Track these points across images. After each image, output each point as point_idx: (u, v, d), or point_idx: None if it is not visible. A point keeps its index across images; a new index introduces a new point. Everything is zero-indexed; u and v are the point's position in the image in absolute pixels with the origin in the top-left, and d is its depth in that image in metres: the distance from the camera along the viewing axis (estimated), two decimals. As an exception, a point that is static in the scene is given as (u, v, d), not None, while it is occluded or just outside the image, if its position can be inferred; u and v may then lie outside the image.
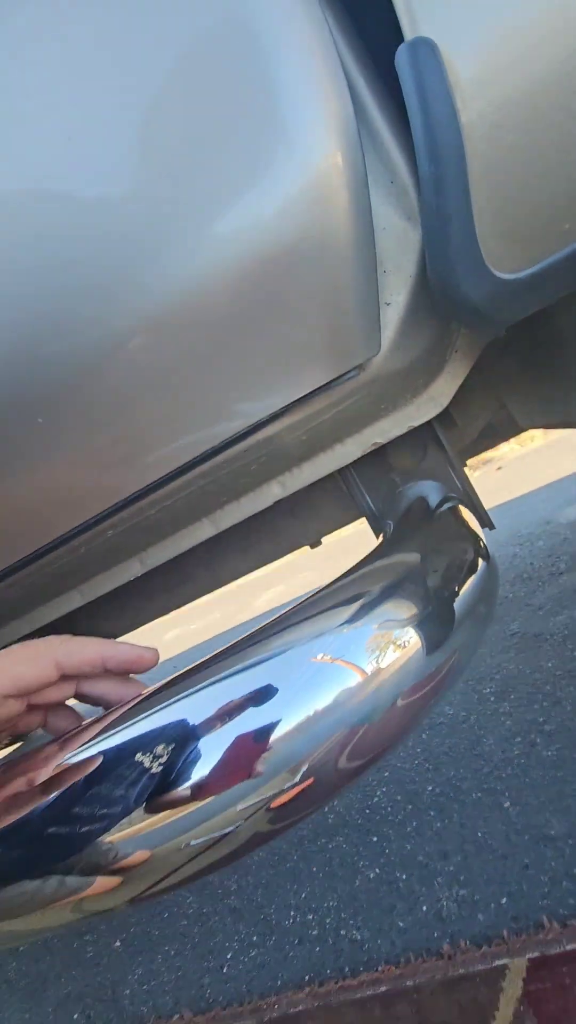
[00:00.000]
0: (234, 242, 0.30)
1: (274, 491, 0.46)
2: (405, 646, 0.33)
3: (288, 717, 0.34)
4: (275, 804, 0.35)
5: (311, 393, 0.35)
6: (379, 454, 0.61)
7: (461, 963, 0.62)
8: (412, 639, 0.33)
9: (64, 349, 0.35)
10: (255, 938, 0.82)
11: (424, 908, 0.73)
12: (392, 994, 0.62)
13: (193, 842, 0.34)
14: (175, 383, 0.34)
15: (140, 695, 0.35)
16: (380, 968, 0.67)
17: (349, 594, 0.35)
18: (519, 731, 0.98)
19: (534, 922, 0.63)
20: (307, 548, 0.86)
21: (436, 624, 0.33)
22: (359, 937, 0.74)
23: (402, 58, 0.29)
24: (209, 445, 0.37)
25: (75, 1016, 0.85)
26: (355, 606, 0.35)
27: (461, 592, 0.35)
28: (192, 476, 0.42)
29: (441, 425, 0.60)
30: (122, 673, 0.36)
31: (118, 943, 0.96)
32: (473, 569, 0.36)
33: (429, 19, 0.29)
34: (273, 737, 0.34)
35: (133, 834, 0.33)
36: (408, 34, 0.29)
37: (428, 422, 0.55)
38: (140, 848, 0.31)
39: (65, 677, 0.35)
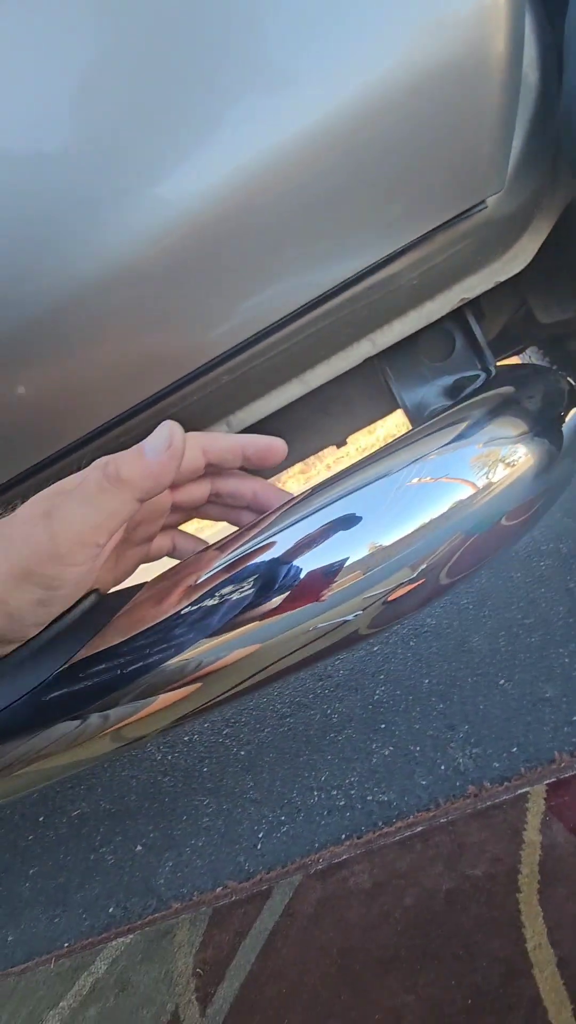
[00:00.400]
0: (392, 56, 0.32)
1: (364, 349, 0.50)
2: (515, 464, 0.37)
3: (402, 527, 0.38)
4: (391, 598, 0.39)
5: (441, 226, 0.38)
6: (411, 344, 0.66)
7: (487, 797, 0.71)
8: (522, 456, 0.37)
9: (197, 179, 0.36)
10: (283, 818, 0.89)
11: (442, 767, 0.82)
12: (429, 831, 0.71)
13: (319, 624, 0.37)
14: (319, 208, 0.36)
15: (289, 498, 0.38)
16: (413, 816, 0.75)
17: (460, 418, 0.40)
18: (502, 628, 1.10)
19: (546, 759, 0.74)
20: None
21: (545, 444, 0.38)
22: (386, 799, 0.82)
23: None
24: (341, 277, 0.40)
25: (110, 910, 0.88)
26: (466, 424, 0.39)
27: (567, 417, 0.40)
28: (302, 323, 0.44)
29: (472, 314, 0.65)
30: (258, 465, 0.38)
31: (139, 847, 0.99)
32: (572, 397, 0.41)
33: None
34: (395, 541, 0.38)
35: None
36: None
37: (461, 309, 0.60)
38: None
39: (207, 469, 0.36)
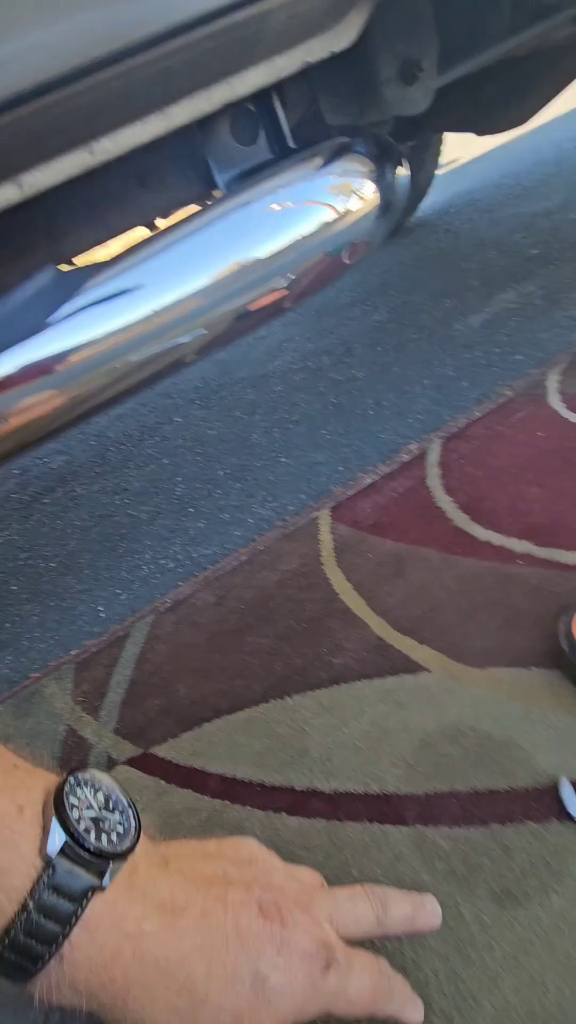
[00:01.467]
0: None
1: (223, 92, 0.54)
2: (365, 198, 0.51)
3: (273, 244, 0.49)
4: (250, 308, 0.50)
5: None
6: (222, 125, 0.71)
7: (290, 526, 0.96)
8: (371, 192, 0.51)
9: None
10: (118, 591, 1.00)
11: (251, 520, 1.03)
12: (252, 555, 0.92)
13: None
14: None
15: None
16: (237, 552, 0.95)
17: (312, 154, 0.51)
18: (274, 425, 1.33)
19: (327, 494, 1.01)
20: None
21: (388, 186, 0.52)
22: (209, 552, 1.00)
23: None
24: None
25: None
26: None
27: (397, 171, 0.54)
28: (171, 47, 0.47)
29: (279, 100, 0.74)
30: None
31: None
32: (397, 153, 0.56)
33: None
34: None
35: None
36: None
37: (268, 95, 0.69)
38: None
39: None
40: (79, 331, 0.37)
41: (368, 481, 0.98)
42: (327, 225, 0.46)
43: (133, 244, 0.41)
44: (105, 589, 1.02)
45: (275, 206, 0.44)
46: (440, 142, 2.05)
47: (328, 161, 0.47)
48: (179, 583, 0.96)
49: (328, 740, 0.62)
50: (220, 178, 0.74)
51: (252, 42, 0.50)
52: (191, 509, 1.15)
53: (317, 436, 1.21)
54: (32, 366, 0.36)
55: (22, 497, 1.52)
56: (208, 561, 0.98)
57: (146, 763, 0.68)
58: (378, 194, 0.50)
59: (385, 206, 0.51)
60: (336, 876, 0.50)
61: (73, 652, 0.91)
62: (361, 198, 0.49)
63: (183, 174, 0.80)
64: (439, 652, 0.67)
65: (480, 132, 1.57)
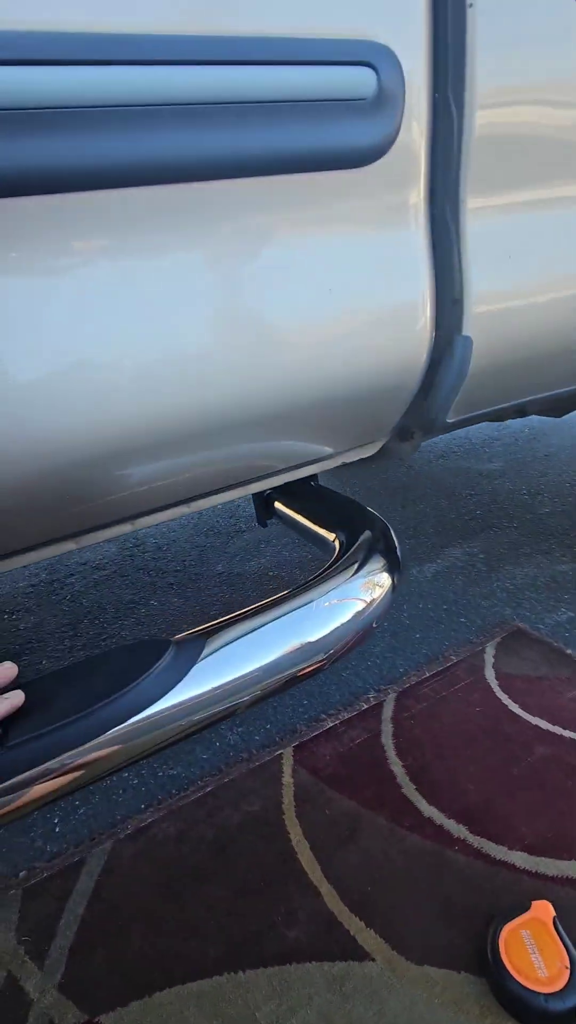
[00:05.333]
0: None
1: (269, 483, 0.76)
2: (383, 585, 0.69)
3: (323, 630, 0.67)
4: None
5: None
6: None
7: (255, 760, 1.04)
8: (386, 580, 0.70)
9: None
10: (77, 803, 1.02)
11: (217, 744, 1.11)
12: (217, 788, 0.99)
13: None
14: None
15: None
16: (201, 780, 1.01)
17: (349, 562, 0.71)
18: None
19: (290, 730, 1.11)
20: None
21: (394, 574, 0.72)
22: (175, 772, 1.05)
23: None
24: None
25: None
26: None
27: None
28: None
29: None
30: None
31: None
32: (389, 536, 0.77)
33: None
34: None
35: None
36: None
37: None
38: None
39: None
40: (184, 697, 0.50)
41: (329, 724, 1.10)
42: (359, 613, 0.64)
43: (230, 617, 0.58)
44: (63, 800, 1.03)
45: (325, 604, 0.61)
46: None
47: (360, 566, 0.66)
48: (142, 805, 0.99)
49: (276, 1032, 0.66)
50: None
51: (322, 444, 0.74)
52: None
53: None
54: (135, 727, 0.48)
55: (-17, 658, 1.53)
56: (172, 783, 1.03)
57: (90, 1035, 0.68)
58: (390, 578, 0.70)
59: (395, 584, 0.71)
60: None
61: (22, 873, 0.90)
62: (382, 586, 0.68)
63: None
64: (383, 939, 0.74)
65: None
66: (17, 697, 0.49)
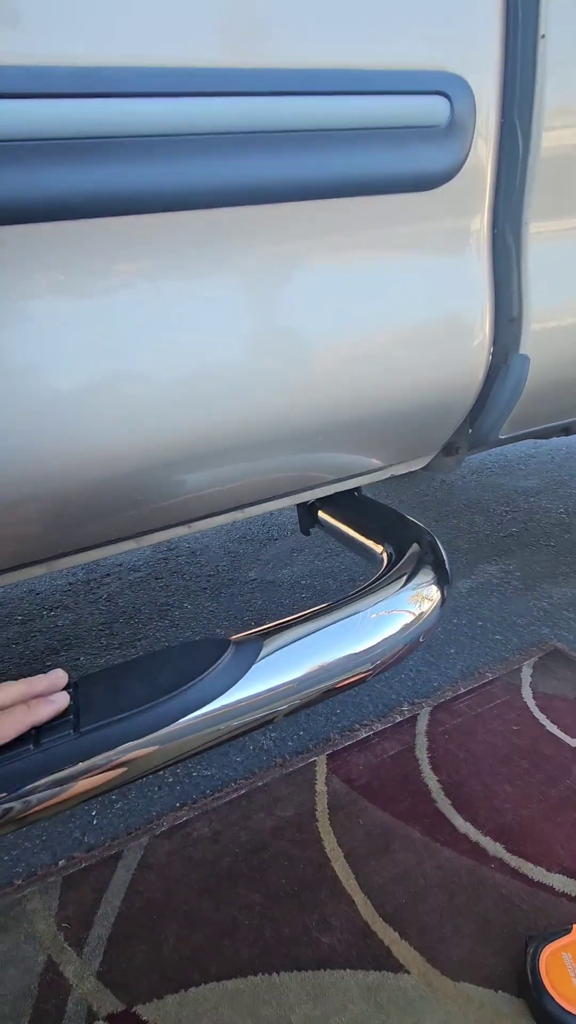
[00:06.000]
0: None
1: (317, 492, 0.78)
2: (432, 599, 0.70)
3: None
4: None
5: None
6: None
7: (288, 766, 1.05)
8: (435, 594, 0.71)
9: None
10: (114, 797, 1.04)
11: (251, 747, 1.12)
12: (250, 792, 1.00)
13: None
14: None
15: None
16: (235, 783, 1.03)
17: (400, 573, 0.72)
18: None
19: (324, 738, 1.11)
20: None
21: (444, 587, 0.73)
22: (209, 773, 1.07)
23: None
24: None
25: None
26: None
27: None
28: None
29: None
30: None
31: (-58, 842, 0.98)
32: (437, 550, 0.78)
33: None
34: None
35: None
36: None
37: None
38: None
39: None
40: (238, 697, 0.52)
41: (363, 735, 1.11)
42: (407, 626, 0.65)
43: (285, 621, 0.59)
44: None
45: (373, 615, 0.63)
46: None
47: (409, 578, 0.67)
48: (176, 804, 1.01)
49: (311, 1036, 0.67)
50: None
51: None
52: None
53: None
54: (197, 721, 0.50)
55: (23, 652, 1.58)
56: (207, 784, 1.05)
57: (128, 1024, 0.69)
58: (440, 592, 0.71)
59: (444, 598, 0.71)
60: None
61: (61, 862, 0.93)
62: (431, 600, 0.69)
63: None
64: (418, 952, 0.74)
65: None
66: (61, 701, 0.52)
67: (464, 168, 0.61)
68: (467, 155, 0.60)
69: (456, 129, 0.57)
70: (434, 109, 0.54)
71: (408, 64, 0.54)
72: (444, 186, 0.61)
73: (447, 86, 0.55)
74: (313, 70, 0.49)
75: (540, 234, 0.71)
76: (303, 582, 1.79)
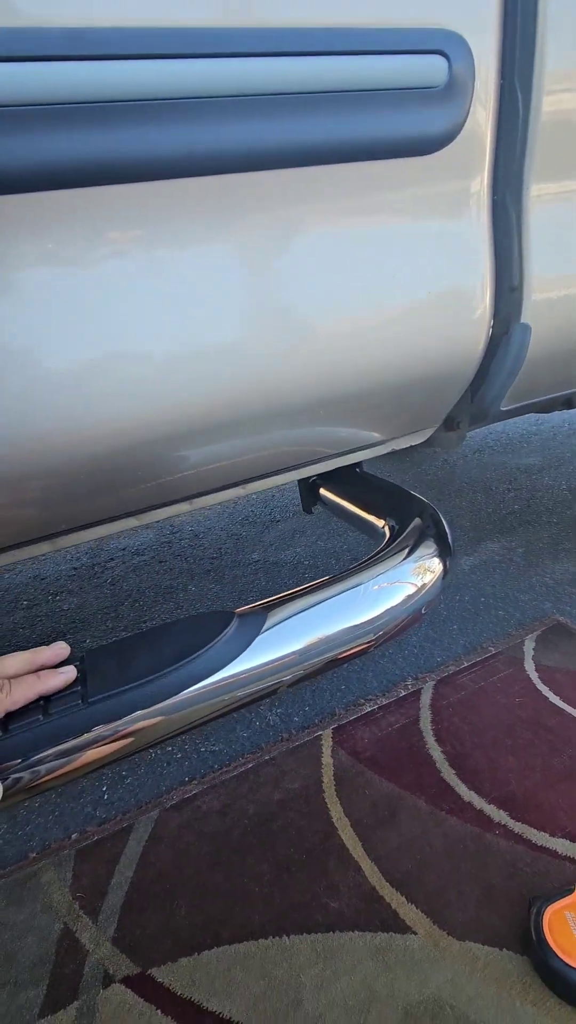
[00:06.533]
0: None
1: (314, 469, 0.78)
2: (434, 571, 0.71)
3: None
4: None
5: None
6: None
7: (295, 740, 1.06)
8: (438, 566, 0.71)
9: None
10: (124, 773, 1.06)
11: (257, 723, 1.14)
12: (257, 766, 1.01)
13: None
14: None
15: None
16: (242, 757, 1.04)
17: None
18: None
19: (329, 713, 1.13)
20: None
21: (446, 560, 0.73)
22: (216, 749, 1.09)
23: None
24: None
25: None
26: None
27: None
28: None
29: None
30: None
31: (-43, 819, 1.00)
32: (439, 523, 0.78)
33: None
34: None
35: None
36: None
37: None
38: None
39: None
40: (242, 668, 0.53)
41: (368, 709, 1.12)
42: (409, 597, 0.65)
43: (289, 593, 0.60)
44: (110, 768, 1.08)
45: (375, 587, 0.63)
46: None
47: (411, 550, 0.68)
48: (185, 778, 1.03)
49: (321, 995, 0.68)
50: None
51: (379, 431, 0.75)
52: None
53: (322, 645, 1.36)
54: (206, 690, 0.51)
55: (29, 635, 1.60)
56: (214, 759, 1.07)
57: (143, 986, 0.72)
58: (442, 564, 0.71)
59: (446, 570, 0.72)
60: None
61: (74, 835, 0.95)
62: (433, 572, 0.69)
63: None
64: (425, 915, 0.76)
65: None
66: (70, 672, 0.53)
67: (463, 132, 0.60)
68: (466, 118, 0.59)
69: (455, 90, 0.56)
70: (432, 69, 0.53)
71: (404, 22, 0.52)
72: (442, 150, 0.60)
73: (445, 45, 0.54)
74: (307, 29, 0.48)
75: (541, 199, 0.70)
76: (306, 562, 1.79)
